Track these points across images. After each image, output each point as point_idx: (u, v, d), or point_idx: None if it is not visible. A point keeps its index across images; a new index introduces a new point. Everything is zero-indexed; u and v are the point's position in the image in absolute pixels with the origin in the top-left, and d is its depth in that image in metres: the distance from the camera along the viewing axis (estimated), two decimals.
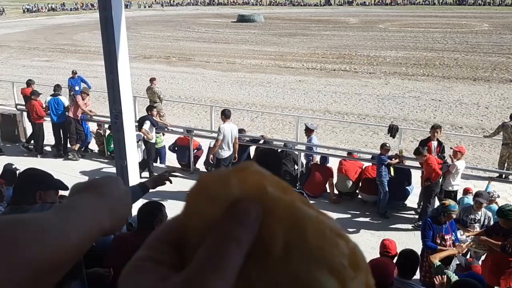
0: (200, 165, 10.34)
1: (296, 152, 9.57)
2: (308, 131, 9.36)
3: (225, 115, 8.99)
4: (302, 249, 0.34)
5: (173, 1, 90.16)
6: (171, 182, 3.40)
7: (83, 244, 0.58)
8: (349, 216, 8.38)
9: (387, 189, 8.17)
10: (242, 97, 18.15)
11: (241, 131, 10.15)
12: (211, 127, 12.27)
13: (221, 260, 0.32)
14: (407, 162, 8.60)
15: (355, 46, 30.47)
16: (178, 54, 28.94)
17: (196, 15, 59.30)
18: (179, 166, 10.27)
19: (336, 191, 8.98)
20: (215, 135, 10.51)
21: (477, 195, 6.46)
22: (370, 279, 0.36)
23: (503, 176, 9.13)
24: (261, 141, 9.71)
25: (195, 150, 10.32)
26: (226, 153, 8.80)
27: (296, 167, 9.41)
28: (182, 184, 9.35)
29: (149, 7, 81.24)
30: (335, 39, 34.07)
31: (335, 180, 8.96)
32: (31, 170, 3.19)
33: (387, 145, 8.37)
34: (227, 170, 0.36)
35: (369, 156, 9.12)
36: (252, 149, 9.70)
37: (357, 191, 8.93)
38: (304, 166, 9.56)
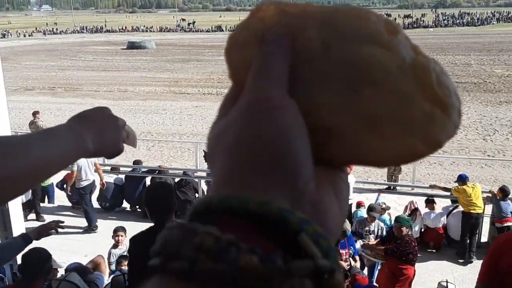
0: (93, 201, 9.69)
1: (196, 180, 9.39)
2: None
3: None
4: (338, 36, 0.35)
5: (56, 29, 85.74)
6: (57, 232, 3.08)
7: (52, 160, 0.68)
8: None
9: None
10: (137, 125, 17.55)
11: (138, 162, 9.77)
12: (103, 159, 11.65)
13: (266, 68, 0.34)
14: None
15: None
16: (64, 84, 27.40)
17: (83, 43, 56.88)
18: (70, 204, 9.56)
19: None
20: (107, 168, 10.05)
21: (370, 209, 6.85)
22: (412, 42, 0.36)
23: (391, 187, 9.78)
24: (157, 172, 9.38)
25: None
26: (85, 182, 8.45)
27: (196, 195, 9.22)
28: (74, 223, 8.71)
29: (29, 35, 76.22)
30: None
31: None
32: None
33: None
34: (245, 18, 0.38)
35: None
36: (149, 180, 9.36)
37: None
38: (206, 193, 9.41)
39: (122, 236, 6.39)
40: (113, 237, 6.51)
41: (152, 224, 3.05)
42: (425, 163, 12.40)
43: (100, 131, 0.75)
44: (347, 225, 5.91)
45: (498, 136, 14.91)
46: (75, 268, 4.43)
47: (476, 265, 7.21)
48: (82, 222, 8.91)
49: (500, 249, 1.77)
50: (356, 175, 9.46)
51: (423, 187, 9.20)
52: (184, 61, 37.05)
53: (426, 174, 11.71)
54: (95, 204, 9.61)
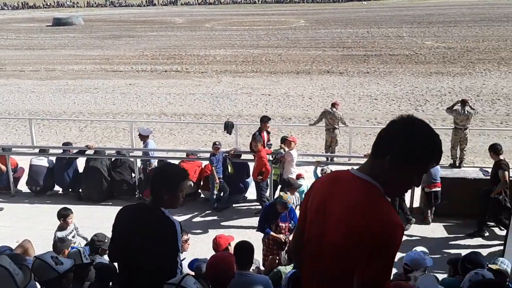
0: (22, 186, 9.14)
1: (132, 159, 9.05)
2: (142, 137, 8.86)
3: None
4: None
5: None
6: None
7: None
8: (193, 216, 8.22)
9: (224, 186, 8.31)
10: (67, 106, 16.70)
11: (68, 144, 9.28)
12: (32, 142, 11.00)
13: None
14: (244, 156, 8.77)
15: (184, 46, 30.52)
16: None
17: (3, 20, 52.98)
18: None
19: None
20: (36, 150, 9.52)
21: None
22: None
23: (329, 159, 9.93)
24: (92, 152, 8.93)
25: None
26: None
27: (133, 174, 8.90)
28: (3, 211, 8.19)
29: None
30: (163, 40, 33.67)
31: None
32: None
33: (216, 143, 8.38)
34: None
35: (208, 155, 9.06)
36: (80, 162, 8.95)
37: (199, 190, 8.82)
38: (142, 172, 9.10)
39: (71, 218, 6.06)
40: (63, 220, 6.06)
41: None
42: (361, 135, 12.72)
43: None
44: (288, 197, 5.86)
45: (429, 106, 15.55)
46: (4, 251, 4.10)
47: (412, 228, 7.54)
48: (12, 207, 8.40)
49: (310, 191, 2.04)
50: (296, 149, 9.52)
51: (359, 157, 9.40)
52: (115, 37, 35.53)
53: (362, 145, 12.00)
54: (25, 188, 9.08)
